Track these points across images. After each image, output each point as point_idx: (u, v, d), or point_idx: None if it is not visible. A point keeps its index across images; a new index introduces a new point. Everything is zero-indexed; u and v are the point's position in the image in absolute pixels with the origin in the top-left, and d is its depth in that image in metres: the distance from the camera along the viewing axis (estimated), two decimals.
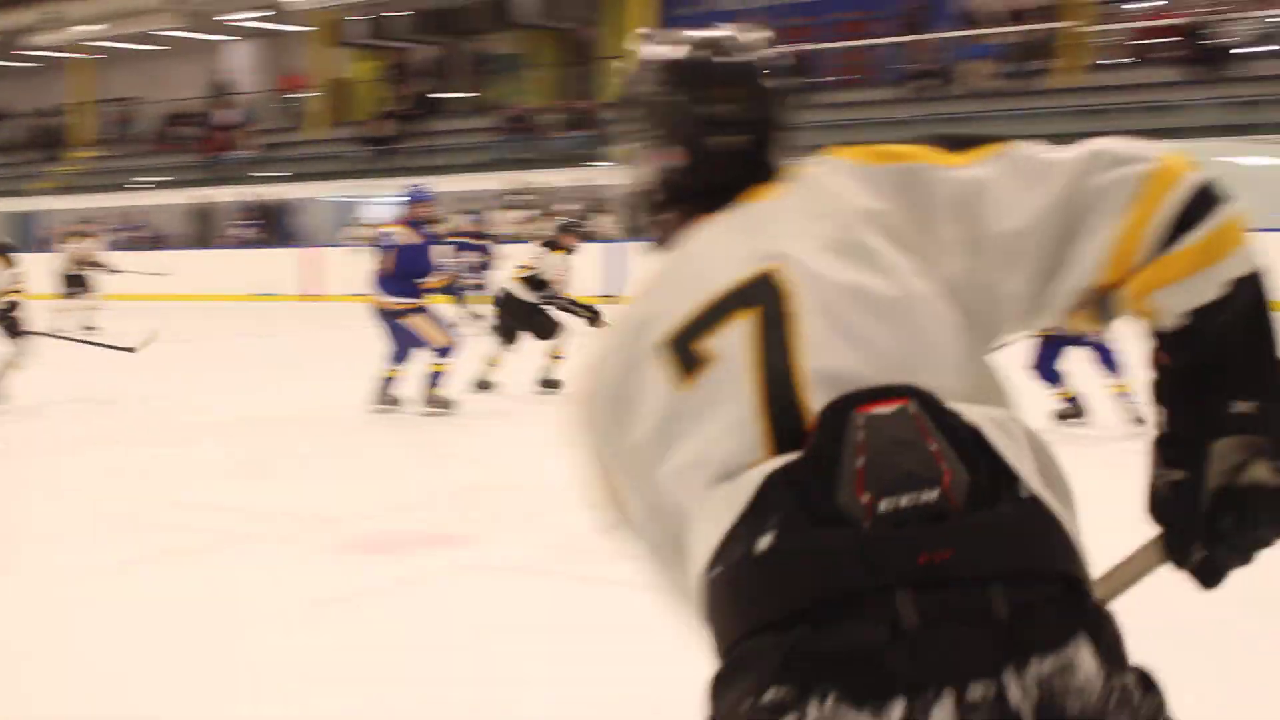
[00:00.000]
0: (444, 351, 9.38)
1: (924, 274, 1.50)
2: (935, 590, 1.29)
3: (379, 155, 29.76)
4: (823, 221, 1.55)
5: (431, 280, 9.54)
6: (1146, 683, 1.33)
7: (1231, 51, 22.01)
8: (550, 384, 10.89)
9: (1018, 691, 1.25)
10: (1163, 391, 1.50)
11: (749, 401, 1.45)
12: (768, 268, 1.51)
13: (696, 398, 1.48)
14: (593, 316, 11.12)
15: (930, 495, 1.33)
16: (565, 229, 11.48)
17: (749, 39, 1.76)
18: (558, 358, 10.94)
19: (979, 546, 1.32)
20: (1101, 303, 1.51)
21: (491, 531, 5.90)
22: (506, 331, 10.96)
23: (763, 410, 1.44)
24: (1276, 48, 23.20)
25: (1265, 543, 1.45)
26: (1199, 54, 22.21)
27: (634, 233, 1.78)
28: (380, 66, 34.01)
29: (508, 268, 11.44)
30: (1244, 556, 1.46)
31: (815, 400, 1.42)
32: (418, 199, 9.84)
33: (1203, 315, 1.44)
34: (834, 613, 1.31)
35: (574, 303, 11.13)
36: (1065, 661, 1.28)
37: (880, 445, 1.35)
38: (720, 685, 1.38)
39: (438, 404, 9.38)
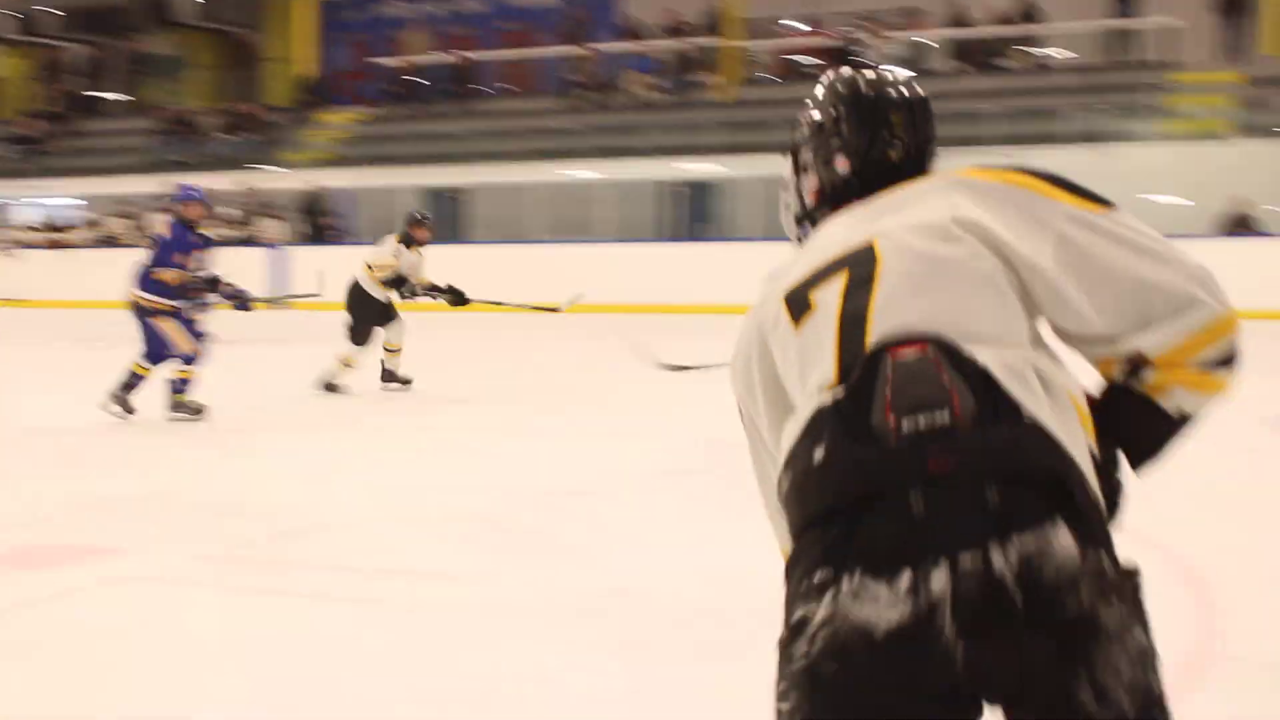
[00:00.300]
0: (188, 359, 9.05)
1: (996, 260, 1.88)
2: (942, 489, 1.67)
3: (28, 155, 28.56)
4: (925, 210, 1.94)
5: (165, 274, 9.01)
6: (1128, 571, 1.70)
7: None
8: (394, 378, 10.79)
9: (1000, 560, 1.61)
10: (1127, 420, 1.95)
11: (831, 341, 1.84)
12: (870, 239, 1.91)
13: (804, 338, 1.88)
14: (457, 298, 11.11)
15: (943, 417, 1.71)
16: (416, 223, 11.12)
17: (904, 76, 2.19)
18: (393, 350, 10.83)
19: (980, 457, 1.69)
20: (1133, 365, 1.92)
21: (142, 543, 5.59)
22: (359, 332, 10.72)
23: (835, 350, 1.83)
24: (916, 70, 24.79)
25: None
26: None
27: (798, 226, 2.21)
28: (31, 64, 32.63)
29: (356, 265, 11.11)
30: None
31: (873, 343, 1.80)
32: (183, 197, 9.37)
33: (1184, 420, 1.93)
34: (864, 510, 1.68)
35: (435, 288, 11.06)
36: (1043, 538, 1.63)
37: (903, 379, 1.74)
38: (789, 569, 1.78)
39: (185, 410, 9.01)
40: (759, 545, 5.35)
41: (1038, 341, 1.89)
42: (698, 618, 4.42)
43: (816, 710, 1.69)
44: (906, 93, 2.16)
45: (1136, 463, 1.97)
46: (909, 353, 1.77)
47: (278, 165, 25.76)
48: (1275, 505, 6.28)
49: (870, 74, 2.19)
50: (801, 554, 1.75)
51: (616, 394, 10.35)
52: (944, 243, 1.88)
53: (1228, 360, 1.89)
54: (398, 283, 10.73)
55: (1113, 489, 1.93)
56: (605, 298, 18.92)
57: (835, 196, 2.12)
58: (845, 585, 1.65)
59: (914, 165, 2.12)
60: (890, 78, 2.18)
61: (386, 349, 10.78)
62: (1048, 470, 1.71)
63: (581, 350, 13.71)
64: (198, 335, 9.12)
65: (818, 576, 1.69)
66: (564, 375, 11.72)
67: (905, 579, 1.62)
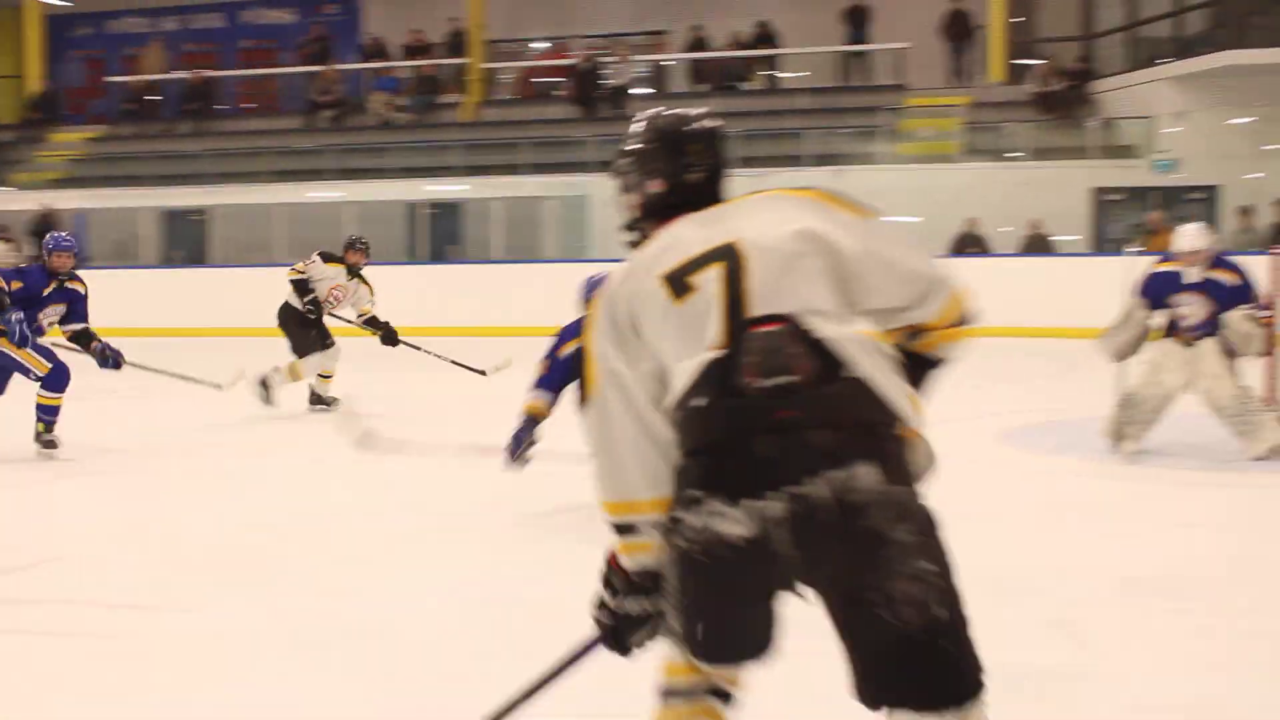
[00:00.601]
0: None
1: (820, 258, 2.47)
2: (788, 433, 2.30)
3: None
4: (763, 219, 2.53)
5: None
6: (924, 507, 2.34)
7: (616, 93, 23.57)
8: (321, 401, 10.52)
9: (823, 489, 2.25)
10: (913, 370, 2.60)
11: (716, 317, 2.42)
12: (731, 240, 2.49)
13: (685, 311, 2.45)
14: (388, 336, 10.85)
15: (790, 378, 2.33)
16: (350, 246, 10.89)
17: (700, 113, 2.78)
18: (326, 376, 10.60)
19: (816, 408, 2.32)
20: (914, 331, 2.59)
21: None
22: (297, 343, 10.56)
23: (723, 322, 2.41)
24: (658, 92, 25.16)
25: None
26: (589, 94, 23.73)
27: (627, 234, 2.76)
28: None
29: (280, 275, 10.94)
30: None
31: (747, 319, 2.39)
32: (54, 246, 8.64)
33: (944, 361, 2.67)
34: (727, 447, 2.33)
35: (374, 320, 10.89)
36: (854, 474, 2.27)
37: (764, 348, 2.36)
38: (674, 486, 2.42)
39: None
40: (507, 575, 5.31)
41: (863, 317, 2.47)
42: (444, 646, 4.39)
43: (688, 583, 2.40)
44: (702, 127, 2.74)
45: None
46: (769, 329, 2.37)
47: (6, 186, 24.67)
48: (1006, 517, 6.53)
49: (675, 113, 2.77)
50: (683, 473, 2.40)
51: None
52: (791, 243, 2.47)
53: (966, 319, 2.64)
54: (302, 289, 10.58)
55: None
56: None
57: (652, 210, 2.69)
58: (710, 505, 2.32)
59: (712, 184, 2.70)
60: (690, 115, 2.76)
61: (319, 375, 10.63)
62: (867, 419, 2.35)
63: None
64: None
65: (692, 494, 2.36)
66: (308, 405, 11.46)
67: (751, 505, 2.28)
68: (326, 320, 10.81)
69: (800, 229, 2.49)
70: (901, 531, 2.27)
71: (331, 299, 10.79)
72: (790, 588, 2.40)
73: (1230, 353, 7.95)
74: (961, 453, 8.10)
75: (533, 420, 6.16)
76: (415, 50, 26.08)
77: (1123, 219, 19.87)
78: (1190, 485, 7.38)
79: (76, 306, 8.74)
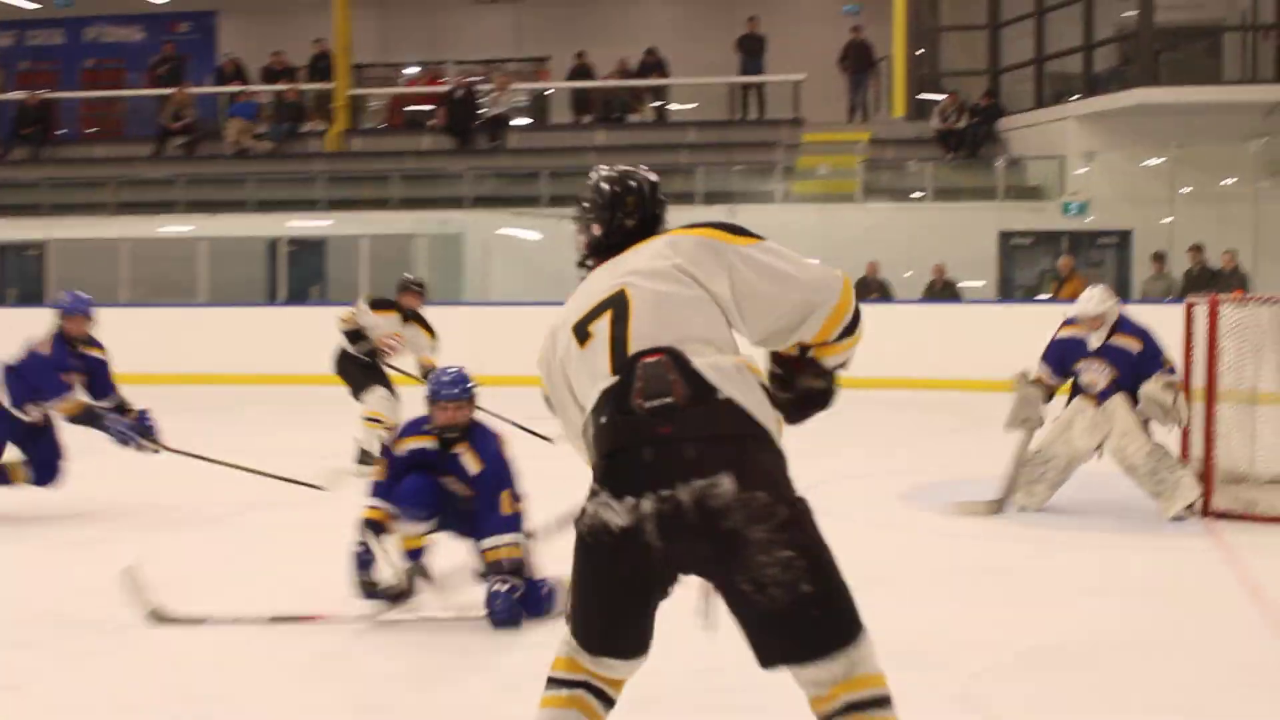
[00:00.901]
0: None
1: (701, 291, 3.21)
2: (663, 445, 3.00)
3: None
4: (653, 262, 3.26)
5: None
6: (785, 506, 2.99)
7: (494, 123, 23.56)
8: (366, 456, 9.99)
9: (686, 494, 2.95)
10: (783, 376, 3.46)
11: (605, 355, 3.17)
12: (621, 286, 3.23)
13: (587, 353, 3.22)
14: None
15: (669, 399, 3.04)
16: (404, 288, 10.53)
17: (640, 171, 3.56)
18: (375, 420, 10.18)
19: (688, 425, 3.02)
20: (802, 349, 3.39)
21: None
22: (358, 384, 10.30)
23: (609, 358, 3.16)
24: (531, 121, 25.20)
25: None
26: (464, 123, 23.69)
27: (580, 269, 3.51)
28: None
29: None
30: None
31: (632, 354, 3.11)
32: (70, 309, 8.32)
33: (836, 369, 3.43)
34: (620, 455, 3.05)
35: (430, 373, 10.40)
36: (715, 481, 2.94)
37: (648, 375, 3.07)
38: (591, 484, 3.12)
39: None
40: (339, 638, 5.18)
41: (735, 343, 3.20)
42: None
43: (582, 563, 3.15)
44: (636, 183, 3.51)
45: (812, 405, 3.45)
46: (651, 360, 3.10)
47: None
48: (905, 581, 6.54)
49: (616, 171, 3.55)
50: (593, 474, 3.13)
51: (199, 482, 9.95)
52: (666, 283, 3.21)
53: (848, 331, 3.32)
54: (353, 337, 10.30)
55: (802, 414, 3.43)
56: (208, 366, 18.40)
57: (595, 249, 3.48)
58: (602, 498, 3.06)
59: (646, 228, 3.47)
60: (629, 172, 3.54)
61: (368, 418, 10.26)
62: (731, 434, 3.05)
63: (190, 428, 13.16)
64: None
65: (593, 488, 3.10)
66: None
67: (629, 501, 3.01)
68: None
69: (676, 264, 3.23)
70: (759, 530, 2.95)
71: (386, 349, 10.42)
72: (666, 580, 3.15)
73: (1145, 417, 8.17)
74: (860, 513, 8.16)
75: (373, 528, 5.83)
76: (276, 73, 25.87)
77: (1031, 264, 20.21)
78: (1101, 548, 7.46)
79: (99, 376, 8.38)
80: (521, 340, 9.64)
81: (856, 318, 3.31)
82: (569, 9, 26.89)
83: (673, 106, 25.33)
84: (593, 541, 3.07)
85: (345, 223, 21.91)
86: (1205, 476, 8.21)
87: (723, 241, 3.27)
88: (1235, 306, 8.62)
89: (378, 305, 10.48)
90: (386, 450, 5.99)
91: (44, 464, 8.23)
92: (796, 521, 2.99)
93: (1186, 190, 19.42)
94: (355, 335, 10.35)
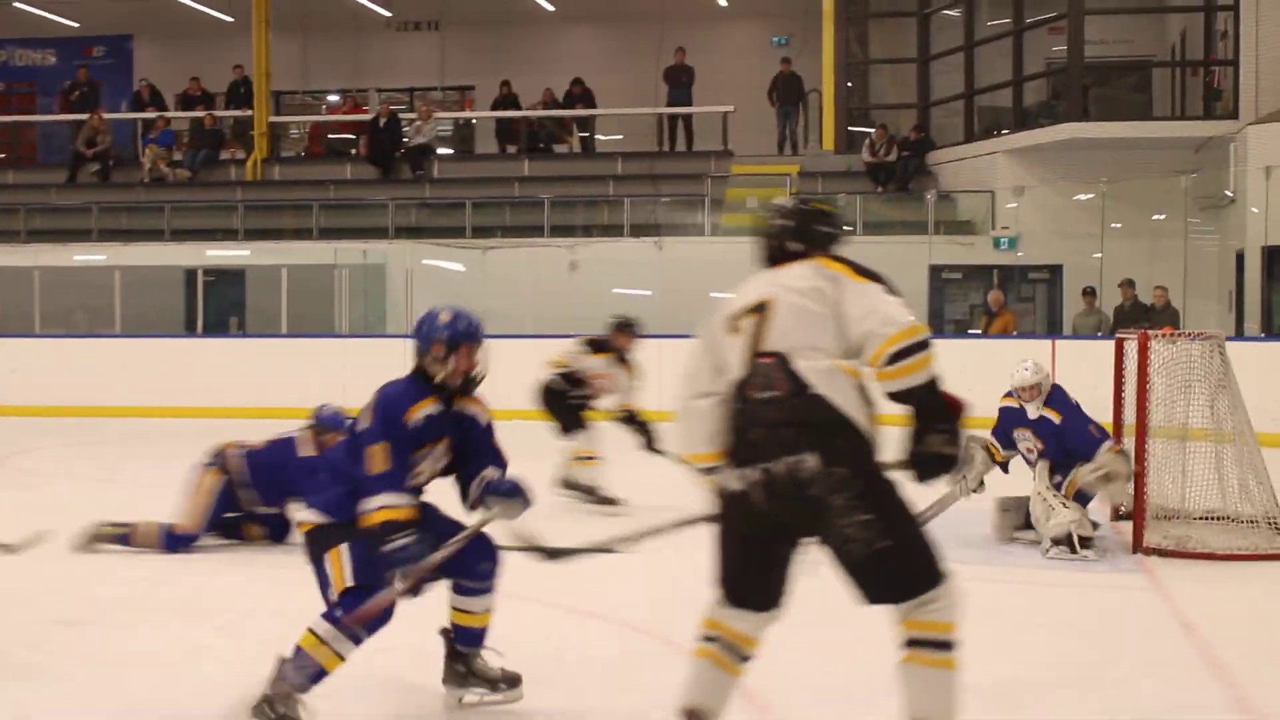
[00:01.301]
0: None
1: (825, 309, 4.08)
2: (768, 428, 3.99)
3: None
4: (799, 281, 4.18)
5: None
6: (868, 480, 3.96)
7: (418, 153, 23.51)
8: (574, 486, 10.03)
9: (780, 467, 3.92)
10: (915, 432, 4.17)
11: (741, 349, 4.15)
12: (767, 296, 4.18)
13: (731, 343, 4.20)
14: (647, 438, 10.13)
15: (774, 392, 4.03)
16: (619, 328, 10.34)
17: (793, 204, 4.59)
18: (585, 458, 10.12)
19: (787, 413, 3.98)
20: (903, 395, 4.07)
21: None
22: (566, 421, 10.21)
23: (744, 353, 4.14)
24: (455, 151, 25.19)
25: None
26: (387, 152, 23.64)
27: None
28: None
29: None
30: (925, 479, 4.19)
31: (759, 353, 4.11)
32: (331, 422, 8.28)
33: (909, 393, 4.07)
34: (740, 434, 4.07)
35: (633, 417, 10.24)
36: (801, 459, 3.91)
37: (760, 373, 4.07)
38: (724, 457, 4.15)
39: None
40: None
41: (844, 354, 4.05)
42: None
43: (717, 523, 4.17)
44: (790, 212, 4.48)
45: (930, 466, 4.14)
46: (765, 361, 4.08)
47: None
48: (845, 622, 6.55)
49: (785, 203, 4.58)
50: (724, 445, 4.12)
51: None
52: (803, 299, 4.12)
53: (894, 358, 3.98)
54: (574, 383, 10.21)
55: (926, 473, 4.15)
56: (124, 399, 18.17)
57: (765, 259, 4.42)
58: (726, 468, 4.08)
59: (800, 250, 4.32)
60: (786, 207, 4.53)
61: (580, 456, 10.18)
62: (820, 421, 3.96)
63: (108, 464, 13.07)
64: None
65: (726, 461, 4.08)
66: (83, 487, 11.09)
67: (741, 471, 4.00)
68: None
69: (815, 286, 4.14)
70: (838, 498, 3.90)
71: (597, 391, 10.32)
72: (781, 540, 4.10)
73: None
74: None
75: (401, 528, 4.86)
76: (193, 100, 25.73)
77: (962, 299, 20.38)
78: (1031, 584, 7.53)
79: None
80: None
81: (907, 352, 3.98)
82: (494, 37, 26.93)
83: (599, 137, 25.36)
84: (720, 503, 4.14)
85: (265, 253, 21.76)
86: (1136, 513, 8.30)
87: (847, 276, 4.13)
88: (1166, 342, 8.74)
89: (593, 347, 10.38)
90: (390, 430, 4.98)
91: None
92: (874, 491, 3.95)
93: (1117, 225, 19.63)
94: (571, 379, 10.26)
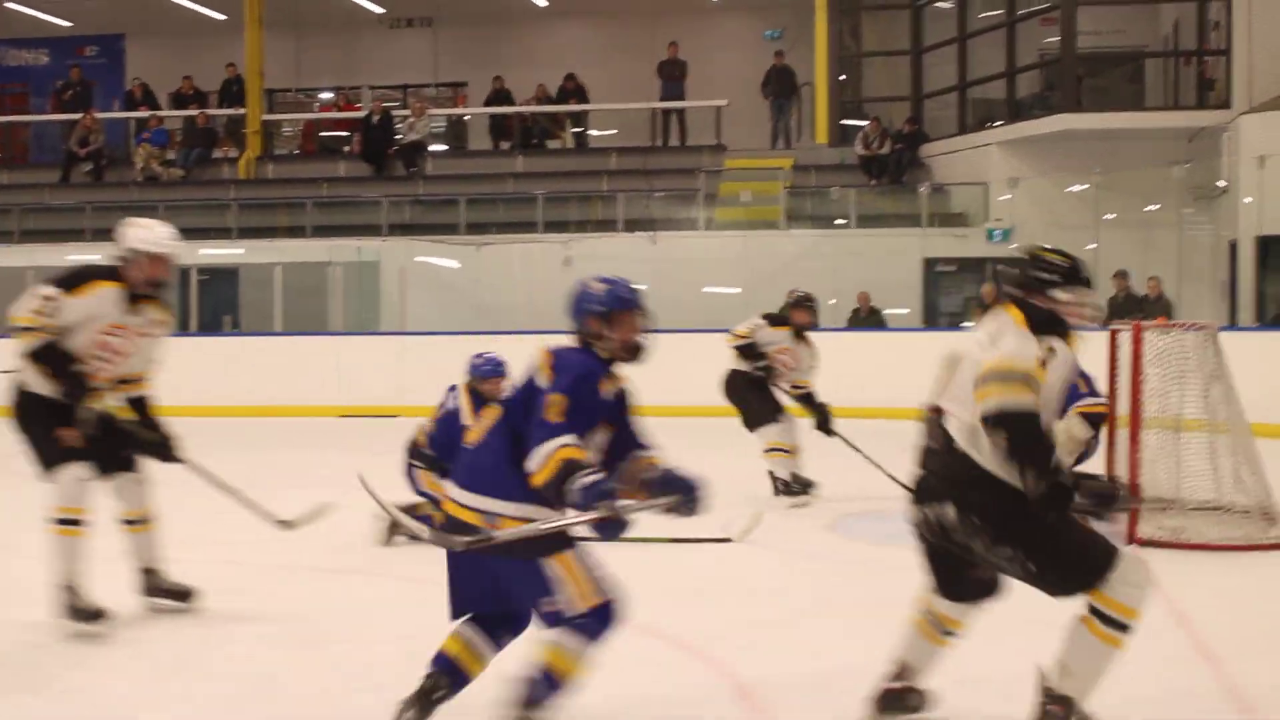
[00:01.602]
0: None
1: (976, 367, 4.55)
2: (926, 476, 4.72)
3: None
4: (984, 333, 4.60)
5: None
6: (991, 531, 4.53)
7: (411, 150, 23.51)
8: (787, 486, 9.96)
9: (930, 511, 4.64)
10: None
11: (933, 396, 4.79)
12: (960, 353, 4.68)
13: (949, 385, 4.74)
14: (822, 418, 10.05)
15: (935, 443, 4.70)
16: (797, 304, 10.30)
17: (1033, 254, 4.75)
18: (780, 450, 10.03)
19: (938, 463, 4.66)
20: None
21: None
22: (752, 414, 10.09)
23: (930, 401, 4.78)
24: (448, 147, 25.18)
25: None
26: (380, 150, 23.63)
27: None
28: None
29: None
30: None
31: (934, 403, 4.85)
32: (488, 372, 7.84)
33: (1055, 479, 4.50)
34: (918, 473, 4.79)
35: (810, 397, 10.15)
36: (943, 506, 4.58)
37: (927, 424, 4.75)
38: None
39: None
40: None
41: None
42: None
43: (920, 540, 4.83)
44: (1020, 257, 4.79)
45: (1043, 502, 4.43)
46: (930, 415, 4.71)
47: None
48: (830, 615, 6.56)
49: (1028, 247, 4.86)
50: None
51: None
52: (979, 351, 4.51)
53: (986, 419, 4.39)
54: (749, 352, 10.09)
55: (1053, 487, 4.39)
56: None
57: (986, 305, 5.52)
58: (911, 504, 4.77)
59: (1016, 297, 4.64)
60: (1021, 258, 4.76)
61: (773, 449, 10.07)
62: (959, 476, 4.54)
63: None
64: None
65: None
66: None
67: (916, 508, 4.71)
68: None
69: (981, 341, 4.54)
70: (977, 543, 4.52)
71: (780, 367, 10.22)
72: (957, 558, 4.68)
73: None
74: (787, 543, 8.18)
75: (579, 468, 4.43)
76: (186, 99, 25.72)
77: (956, 291, 20.40)
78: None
79: None
80: (439, 369, 9.67)
81: (988, 416, 4.37)
82: (487, 33, 26.91)
83: (593, 132, 25.37)
84: (914, 530, 4.78)
85: (258, 251, 21.76)
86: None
87: (1008, 331, 4.48)
88: (1159, 333, 8.76)
89: (774, 321, 10.34)
90: (580, 393, 4.55)
91: None
92: (1008, 533, 4.47)
93: (1110, 216, 19.67)
94: (750, 350, 10.16)
